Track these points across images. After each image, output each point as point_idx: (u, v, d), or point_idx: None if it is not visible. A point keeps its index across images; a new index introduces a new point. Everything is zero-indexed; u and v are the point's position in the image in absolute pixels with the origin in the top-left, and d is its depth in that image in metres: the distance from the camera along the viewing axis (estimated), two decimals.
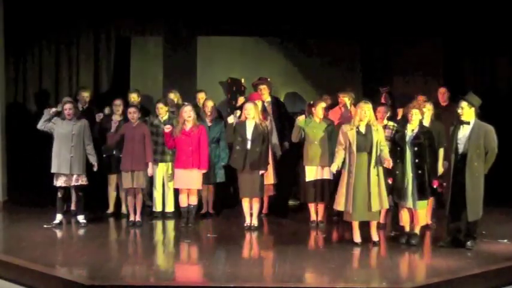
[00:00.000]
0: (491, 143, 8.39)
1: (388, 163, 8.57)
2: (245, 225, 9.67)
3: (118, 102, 10.32)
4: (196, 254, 8.88)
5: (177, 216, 10.16)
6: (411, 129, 8.74)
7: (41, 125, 9.76)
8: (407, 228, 8.91)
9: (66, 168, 9.63)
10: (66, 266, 8.04)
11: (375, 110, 8.98)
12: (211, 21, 12.16)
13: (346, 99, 10.51)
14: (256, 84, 11.13)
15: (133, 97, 10.66)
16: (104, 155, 10.20)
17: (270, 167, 9.93)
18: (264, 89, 10.89)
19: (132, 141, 9.77)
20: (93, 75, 12.47)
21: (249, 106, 9.55)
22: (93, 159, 9.78)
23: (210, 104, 10.36)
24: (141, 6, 11.91)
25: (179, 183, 9.73)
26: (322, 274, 7.71)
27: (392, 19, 11.89)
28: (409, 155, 8.70)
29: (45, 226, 9.71)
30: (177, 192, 9.97)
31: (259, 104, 10.03)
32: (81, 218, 9.87)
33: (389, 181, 8.85)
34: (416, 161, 8.65)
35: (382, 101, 10.73)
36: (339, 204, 8.73)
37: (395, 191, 8.82)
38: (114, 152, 10.13)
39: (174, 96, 10.90)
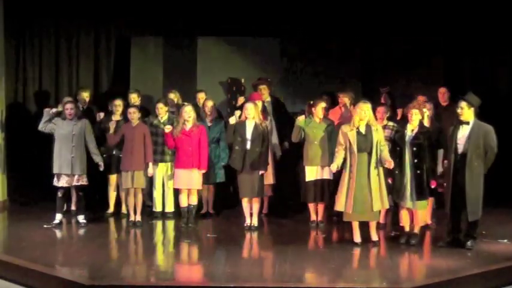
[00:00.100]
0: (490, 143, 8.39)
1: (389, 164, 8.58)
2: (245, 225, 9.68)
3: (118, 102, 10.32)
4: (196, 254, 8.88)
5: (177, 216, 10.16)
6: (411, 129, 8.74)
7: (41, 126, 9.76)
8: (407, 228, 8.91)
9: (67, 169, 9.63)
10: (66, 266, 8.05)
11: (374, 110, 8.99)
12: (211, 21, 12.15)
13: (346, 99, 10.51)
14: (256, 84, 11.14)
15: (134, 97, 10.65)
16: (104, 155, 10.19)
17: (270, 167, 9.93)
18: (264, 89, 10.90)
19: (132, 141, 9.78)
20: (93, 75, 12.47)
21: (249, 106, 9.55)
22: (98, 159, 9.78)
23: (210, 104, 10.36)
24: (141, 6, 11.90)
25: (179, 183, 9.73)
26: (322, 274, 7.71)
27: (393, 19, 11.89)
28: (408, 155, 8.70)
29: (45, 226, 9.71)
30: (177, 192, 9.97)
31: (259, 104, 10.03)
32: (81, 218, 9.87)
33: (389, 181, 8.85)
34: (415, 161, 8.65)
35: (382, 101, 10.74)
36: (340, 205, 8.73)
37: (395, 191, 8.83)
38: (114, 152, 10.13)
39: (174, 96, 10.90)
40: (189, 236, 9.40)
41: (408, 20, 11.83)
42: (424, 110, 9.02)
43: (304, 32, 12.24)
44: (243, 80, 12.13)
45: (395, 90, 11.57)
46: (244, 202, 9.64)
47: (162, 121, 10.14)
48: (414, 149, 8.66)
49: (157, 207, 10.38)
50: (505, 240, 8.95)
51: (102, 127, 10.23)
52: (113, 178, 10.39)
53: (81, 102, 10.72)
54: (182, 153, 9.63)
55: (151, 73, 12.76)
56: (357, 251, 8.57)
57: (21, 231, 9.50)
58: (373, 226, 8.83)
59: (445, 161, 8.76)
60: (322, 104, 9.75)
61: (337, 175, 9.12)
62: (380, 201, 8.66)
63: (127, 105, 10.34)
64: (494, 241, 8.92)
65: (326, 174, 9.64)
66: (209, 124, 10.25)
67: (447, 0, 11.62)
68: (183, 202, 9.81)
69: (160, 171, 10.26)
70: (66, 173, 9.64)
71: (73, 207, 10.42)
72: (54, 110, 9.83)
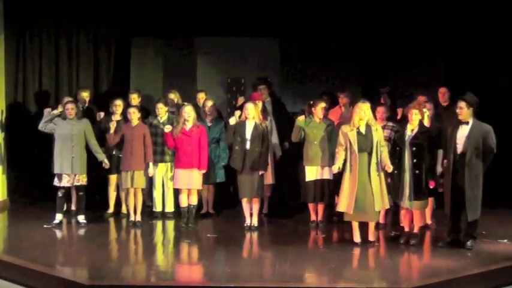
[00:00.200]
0: (490, 143, 8.39)
1: (388, 168, 8.59)
2: (245, 225, 9.68)
3: (118, 102, 10.31)
4: (196, 254, 8.88)
5: (177, 216, 10.17)
6: (411, 129, 8.74)
7: (41, 126, 9.78)
8: (407, 228, 8.91)
9: (68, 169, 9.64)
10: (66, 266, 8.06)
11: (374, 110, 8.99)
12: (211, 22, 12.14)
13: (346, 99, 10.51)
14: (256, 84, 11.14)
15: (134, 97, 10.65)
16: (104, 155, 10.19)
17: (269, 168, 9.93)
18: (264, 89, 10.90)
19: (131, 141, 9.78)
20: (93, 75, 12.46)
21: (249, 106, 9.56)
22: (102, 157, 9.80)
23: (210, 104, 10.37)
24: (141, 6, 11.90)
25: (179, 183, 9.73)
26: (322, 274, 7.72)
27: (392, 19, 11.88)
28: (407, 155, 8.69)
29: (45, 226, 9.71)
30: (177, 192, 9.98)
31: (259, 104, 10.03)
32: (81, 218, 9.88)
33: (389, 180, 8.85)
34: (414, 161, 8.65)
35: (382, 101, 10.73)
36: (342, 206, 8.72)
37: (393, 191, 8.83)
38: (114, 152, 10.13)
39: (174, 96, 10.90)
40: (189, 236, 9.40)
41: (408, 20, 11.82)
42: (424, 110, 9.01)
43: (304, 32, 12.24)
44: (243, 80, 12.12)
45: (396, 90, 11.56)
46: (244, 202, 9.64)
47: (161, 121, 10.14)
48: (413, 149, 8.66)
49: (157, 207, 10.39)
50: (505, 240, 8.95)
51: (102, 127, 10.23)
52: (113, 178, 10.39)
53: (81, 102, 10.72)
54: (182, 153, 9.63)
55: (151, 73, 12.76)
56: (356, 251, 8.57)
57: (21, 231, 9.51)
58: (371, 226, 8.83)
59: (445, 161, 8.76)
60: (322, 104, 9.75)
61: (337, 175, 9.12)
62: (381, 201, 8.67)
63: (127, 105, 10.34)
64: (494, 241, 8.92)
65: (326, 174, 9.64)
66: (209, 124, 10.25)
67: (447, 0, 11.62)
68: (183, 202, 9.82)
69: (160, 171, 10.27)
70: (67, 172, 9.65)
71: (73, 207, 10.42)
72: (55, 111, 9.83)
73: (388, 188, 8.80)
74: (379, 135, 8.69)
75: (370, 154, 8.63)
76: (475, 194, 8.39)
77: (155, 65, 12.87)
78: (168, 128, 9.61)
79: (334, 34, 12.21)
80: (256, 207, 9.66)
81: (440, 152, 9.07)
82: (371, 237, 8.82)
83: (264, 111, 10.15)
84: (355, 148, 8.62)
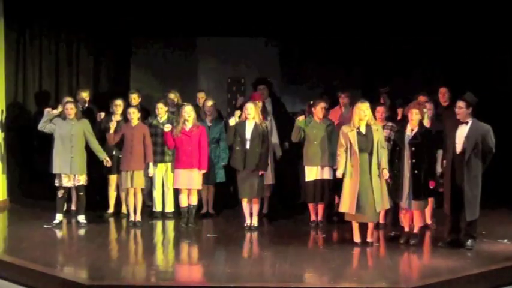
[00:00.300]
0: (489, 143, 8.39)
1: (385, 174, 8.59)
2: (245, 225, 9.68)
3: (118, 102, 10.31)
4: (196, 254, 8.88)
5: (177, 216, 10.16)
6: (410, 129, 8.74)
7: (41, 126, 9.78)
8: (407, 228, 8.91)
9: (67, 169, 9.64)
10: (66, 266, 8.05)
11: (373, 110, 8.99)
12: (211, 22, 12.16)
13: (346, 99, 10.51)
14: (256, 84, 11.14)
15: (134, 97, 10.64)
16: None
17: (269, 168, 9.92)
18: (264, 89, 10.90)
19: (131, 141, 9.78)
20: (93, 75, 12.47)
21: (249, 106, 9.55)
22: (103, 156, 9.79)
23: (210, 104, 10.37)
24: (142, 6, 11.91)
25: (179, 183, 9.73)
26: (322, 274, 7.71)
27: (392, 19, 11.89)
28: (407, 155, 8.69)
29: (45, 226, 9.71)
30: (177, 192, 9.97)
31: (259, 104, 10.03)
32: (81, 218, 9.88)
33: (389, 180, 8.85)
34: (414, 161, 8.65)
35: (381, 101, 10.73)
36: (344, 206, 8.71)
37: (393, 191, 8.83)
38: (114, 152, 10.13)
39: (174, 96, 10.90)
40: (189, 236, 9.40)
41: (408, 20, 11.83)
42: (424, 110, 9.01)
43: (304, 32, 12.24)
44: (243, 80, 12.13)
45: (396, 90, 11.56)
46: (244, 202, 9.64)
47: (161, 121, 10.14)
48: (413, 149, 8.65)
49: (157, 207, 10.39)
50: (505, 240, 8.95)
51: (102, 127, 10.23)
52: (113, 178, 10.39)
53: (81, 102, 10.71)
54: (182, 153, 9.62)
55: (151, 73, 12.76)
56: (356, 251, 8.57)
57: (21, 231, 9.51)
58: (371, 227, 8.83)
59: (445, 161, 8.77)
60: (322, 104, 9.75)
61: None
62: (381, 202, 8.67)
63: (127, 105, 10.34)
64: (494, 241, 8.92)
65: (326, 174, 9.64)
66: (209, 124, 10.25)
67: (447, 0, 11.62)
68: (183, 202, 9.81)
69: (159, 171, 10.27)
70: (66, 173, 9.65)
71: (73, 207, 10.42)
72: (54, 111, 9.83)
73: (388, 188, 8.80)
74: (379, 135, 8.69)
75: (370, 154, 8.62)
76: (474, 194, 8.39)
77: (155, 65, 12.88)
78: (167, 128, 9.60)
79: (334, 34, 12.23)
80: (256, 207, 9.66)
81: (440, 152, 9.08)
82: (369, 237, 8.82)
83: (264, 111, 10.15)
84: (356, 148, 8.62)
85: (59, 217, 9.79)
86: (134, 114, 9.84)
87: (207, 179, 10.03)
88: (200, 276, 7.93)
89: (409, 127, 8.76)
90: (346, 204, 8.68)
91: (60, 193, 9.74)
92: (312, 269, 7.93)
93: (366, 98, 9.19)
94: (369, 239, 8.81)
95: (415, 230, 8.87)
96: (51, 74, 12.04)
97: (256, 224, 9.67)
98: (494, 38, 11.70)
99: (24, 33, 11.70)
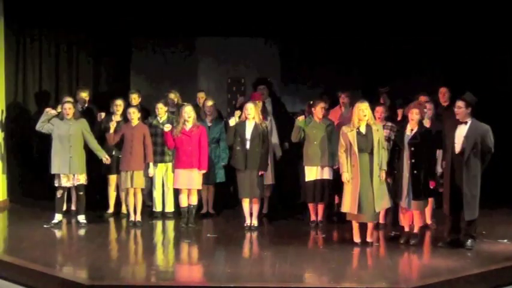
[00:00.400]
0: (488, 143, 8.39)
1: (382, 175, 8.59)
2: (245, 225, 9.68)
3: (119, 102, 10.31)
4: (196, 254, 8.88)
5: (177, 216, 10.17)
6: (410, 129, 8.73)
7: (39, 126, 9.78)
8: (406, 228, 8.91)
9: (66, 169, 9.64)
10: (66, 266, 8.05)
11: (373, 110, 8.98)
12: (211, 22, 12.16)
13: (346, 99, 10.51)
14: (256, 84, 11.14)
15: (134, 97, 10.64)
16: None
17: (269, 168, 9.92)
18: (264, 89, 10.91)
19: (131, 141, 9.78)
20: (93, 75, 12.46)
21: (249, 106, 9.56)
22: (102, 155, 9.79)
23: (210, 104, 10.37)
24: (142, 6, 11.91)
25: (179, 183, 9.73)
26: (322, 274, 7.71)
27: (392, 19, 11.89)
28: (406, 155, 8.69)
29: (45, 226, 9.71)
30: (177, 192, 9.97)
31: (259, 104, 10.03)
32: (81, 218, 9.88)
33: (389, 180, 8.86)
34: (413, 161, 8.64)
35: (381, 101, 10.74)
36: (346, 206, 8.71)
37: (393, 191, 8.83)
38: (114, 153, 10.13)
39: (174, 96, 10.90)
40: (189, 236, 9.40)
41: (408, 20, 11.83)
42: (425, 110, 9.01)
43: (304, 32, 12.24)
44: (243, 80, 12.13)
45: (395, 90, 11.56)
46: (244, 202, 9.64)
47: (161, 121, 10.14)
48: (412, 149, 8.65)
49: (157, 207, 10.39)
50: (505, 240, 8.95)
51: (102, 127, 10.23)
52: (112, 178, 10.39)
53: (81, 102, 10.71)
54: (182, 153, 9.62)
55: (151, 73, 12.76)
56: (356, 251, 8.58)
57: (21, 231, 9.51)
58: (370, 227, 8.83)
59: (444, 161, 8.77)
60: (322, 104, 9.75)
61: (337, 175, 9.12)
62: (382, 202, 8.67)
63: (128, 105, 10.34)
64: (494, 241, 8.92)
65: (326, 174, 9.65)
66: (209, 124, 10.25)
67: (447, 0, 11.62)
68: (183, 202, 9.81)
69: (159, 171, 10.27)
70: (65, 173, 9.65)
71: (73, 207, 10.43)
72: (53, 111, 9.82)
73: (388, 188, 8.80)
74: (379, 134, 8.68)
75: (371, 154, 8.62)
76: (473, 194, 8.39)
77: (155, 65, 12.88)
78: (167, 127, 9.60)
79: (334, 34, 12.22)
80: (256, 207, 9.66)
81: (441, 152, 9.08)
82: (369, 237, 8.82)
83: (264, 111, 10.15)
84: (355, 148, 8.62)
85: (58, 217, 9.79)
86: (134, 114, 9.84)
87: (207, 179, 10.03)
88: (200, 276, 7.93)
89: (408, 127, 8.75)
90: (347, 204, 8.68)
91: (59, 193, 9.74)
92: (312, 269, 7.93)
93: (366, 98, 9.19)
94: (368, 239, 8.82)
95: (415, 230, 8.87)
96: (51, 74, 12.04)
97: (256, 224, 9.67)
98: (494, 38, 11.70)
99: (24, 34, 11.70)
